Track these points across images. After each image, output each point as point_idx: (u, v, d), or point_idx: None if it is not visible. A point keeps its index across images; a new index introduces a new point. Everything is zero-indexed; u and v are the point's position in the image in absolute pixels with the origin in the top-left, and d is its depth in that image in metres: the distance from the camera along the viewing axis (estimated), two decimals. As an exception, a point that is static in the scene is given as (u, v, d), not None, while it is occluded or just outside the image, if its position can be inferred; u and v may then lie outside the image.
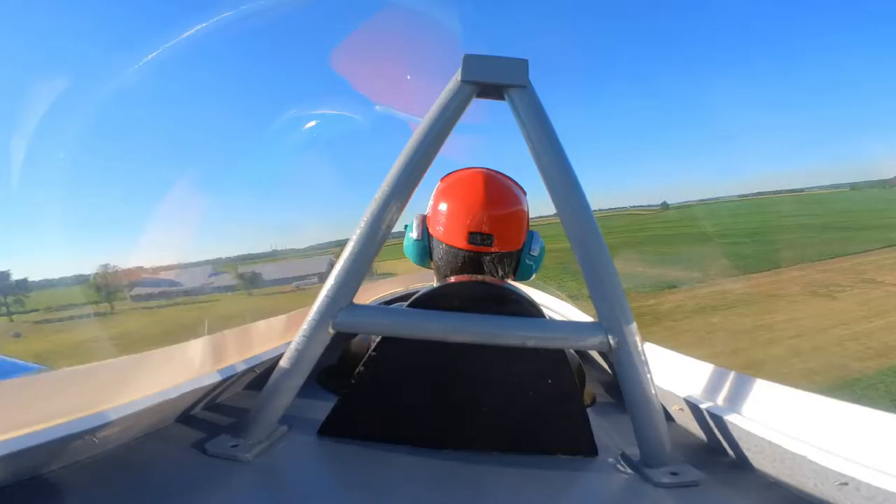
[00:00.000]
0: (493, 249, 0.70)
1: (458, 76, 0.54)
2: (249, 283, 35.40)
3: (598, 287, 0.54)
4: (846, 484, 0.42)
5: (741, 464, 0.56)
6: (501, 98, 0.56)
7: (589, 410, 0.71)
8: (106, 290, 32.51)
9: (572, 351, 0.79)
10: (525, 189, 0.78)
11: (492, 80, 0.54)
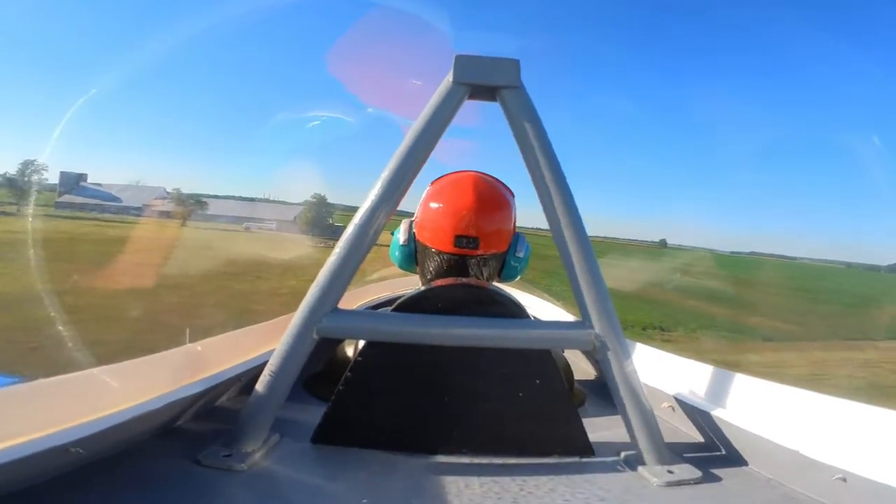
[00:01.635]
0: (478, 252, 0.75)
1: (449, 77, 0.56)
2: (191, 212, 34.78)
3: (582, 287, 0.57)
4: (844, 479, 0.45)
5: (736, 460, 0.59)
6: (493, 99, 0.58)
7: (580, 410, 0.76)
8: (22, 190, 30.10)
9: (559, 351, 0.83)
10: (513, 191, 0.82)
11: (484, 80, 0.56)
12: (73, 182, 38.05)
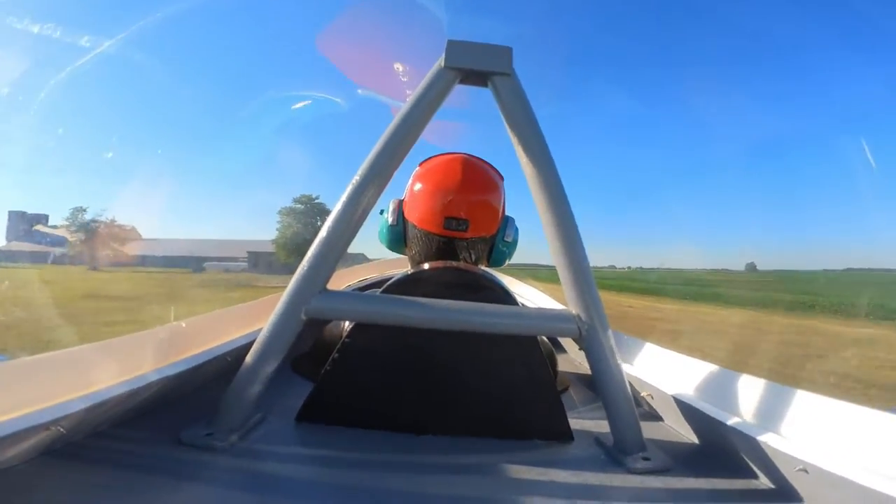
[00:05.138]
0: (467, 235, 0.80)
1: (441, 62, 0.61)
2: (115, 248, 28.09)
3: (569, 275, 0.62)
4: (805, 470, 0.50)
5: (709, 450, 0.66)
6: (485, 85, 0.63)
7: (563, 397, 0.82)
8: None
9: (545, 338, 0.90)
10: (503, 175, 0.88)
11: (475, 66, 0.61)
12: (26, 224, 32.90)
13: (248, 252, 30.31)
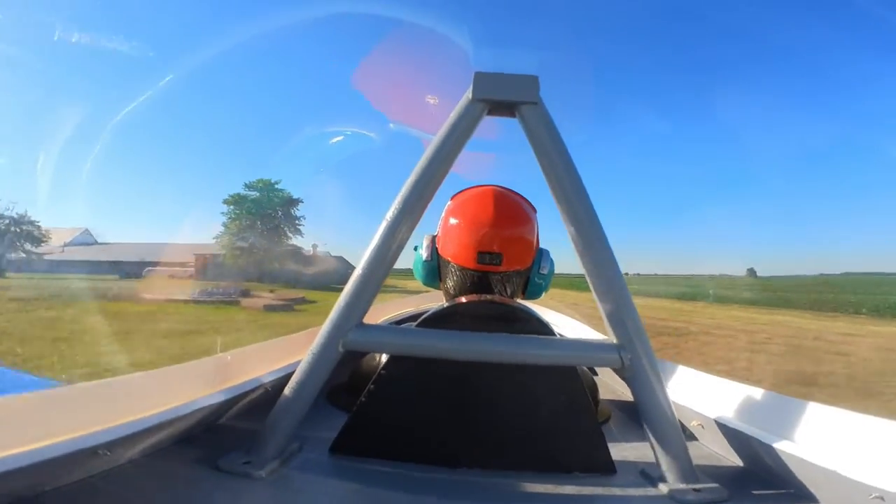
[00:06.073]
0: (501, 269, 0.82)
1: (469, 94, 0.63)
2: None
3: (609, 304, 0.63)
4: (882, 498, 0.48)
5: (767, 480, 0.64)
6: (513, 115, 0.64)
7: (604, 428, 0.82)
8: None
9: (584, 368, 0.91)
10: (536, 207, 0.90)
11: (503, 97, 0.63)
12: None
13: (195, 255, 25.25)
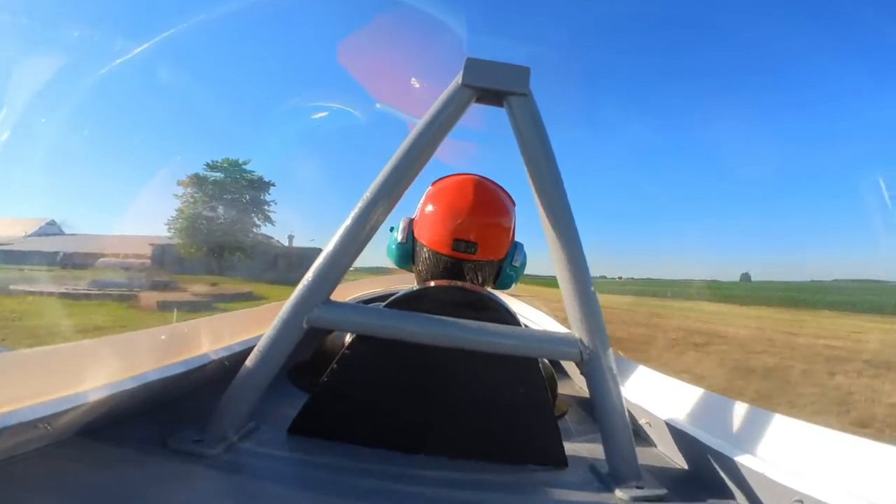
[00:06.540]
0: (475, 257, 0.83)
1: (458, 79, 0.63)
2: None
3: (573, 299, 0.64)
4: (801, 502, 0.51)
5: (703, 479, 0.67)
6: (500, 104, 0.64)
7: (560, 421, 0.83)
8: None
9: (546, 361, 0.92)
10: (515, 201, 0.91)
11: (492, 85, 0.63)
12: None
13: (152, 245, 22.64)
